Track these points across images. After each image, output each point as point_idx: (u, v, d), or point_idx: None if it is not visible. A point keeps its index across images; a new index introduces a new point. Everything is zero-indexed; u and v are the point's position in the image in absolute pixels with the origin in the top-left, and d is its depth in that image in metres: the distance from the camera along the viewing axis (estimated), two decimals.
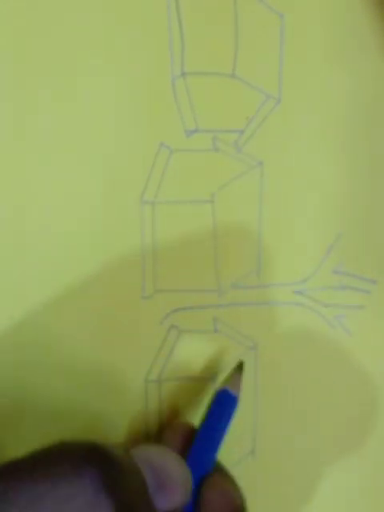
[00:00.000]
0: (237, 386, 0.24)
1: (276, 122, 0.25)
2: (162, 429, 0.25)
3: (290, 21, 0.24)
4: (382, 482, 0.27)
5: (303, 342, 0.26)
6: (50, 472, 0.17)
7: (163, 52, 0.24)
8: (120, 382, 0.25)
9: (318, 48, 0.24)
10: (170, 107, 0.24)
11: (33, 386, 0.24)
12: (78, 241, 0.24)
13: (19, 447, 0.24)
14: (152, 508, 0.19)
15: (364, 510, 0.28)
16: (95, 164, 0.24)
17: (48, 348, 0.24)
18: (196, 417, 0.25)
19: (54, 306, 0.24)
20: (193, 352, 0.26)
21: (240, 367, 0.25)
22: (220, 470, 0.24)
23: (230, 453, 0.26)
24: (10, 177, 0.23)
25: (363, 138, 0.25)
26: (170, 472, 0.20)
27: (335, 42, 0.24)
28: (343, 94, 0.25)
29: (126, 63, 0.23)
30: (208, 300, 0.25)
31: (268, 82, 0.24)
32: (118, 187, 0.24)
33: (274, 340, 0.26)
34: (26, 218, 0.23)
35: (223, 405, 0.24)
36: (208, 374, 0.26)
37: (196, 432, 0.24)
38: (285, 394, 0.27)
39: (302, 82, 0.24)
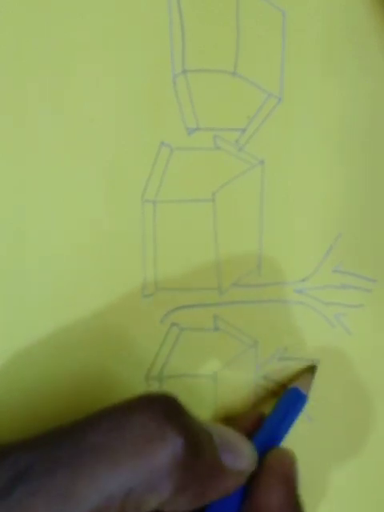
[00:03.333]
0: (307, 386, 0.25)
1: (277, 120, 0.24)
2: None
3: (291, 18, 0.24)
4: (381, 482, 0.28)
5: (303, 341, 0.26)
6: (129, 406, 0.20)
7: (164, 49, 0.23)
8: (121, 381, 0.25)
9: (320, 46, 0.24)
10: (171, 105, 0.24)
11: (33, 385, 0.24)
12: (78, 239, 0.24)
13: None
14: (217, 457, 0.20)
15: (363, 511, 0.28)
16: (96, 162, 0.24)
17: (48, 346, 0.24)
18: (197, 414, 0.26)
19: (54, 304, 0.24)
20: (194, 350, 0.26)
21: (312, 369, 0.26)
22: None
23: None
24: (11, 175, 0.23)
25: (364, 137, 0.25)
26: (237, 440, 0.21)
27: (337, 40, 0.24)
28: (345, 93, 0.25)
29: (127, 61, 0.23)
30: (209, 298, 0.25)
31: (269, 80, 0.24)
32: (119, 186, 0.24)
33: (274, 338, 0.26)
34: (26, 217, 0.23)
35: (292, 401, 0.25)
36: (209, 371, 0.26)
37: (262, 421, 0.25)
38: None
39: (304, 81, 0.24)
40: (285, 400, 0.25)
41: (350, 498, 0.28)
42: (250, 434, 0.23)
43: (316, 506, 0.28)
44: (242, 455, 0.21)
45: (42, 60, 0.23)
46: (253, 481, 0.22)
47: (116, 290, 0.25)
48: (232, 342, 0.26)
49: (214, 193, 0.25)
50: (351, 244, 0.26)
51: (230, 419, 0.26)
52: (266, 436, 0.24)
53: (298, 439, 0.27)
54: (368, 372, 0.27)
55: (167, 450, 0.19)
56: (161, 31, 0.23)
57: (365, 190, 0.25)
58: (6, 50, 0.22)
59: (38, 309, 0.24)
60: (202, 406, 0.26)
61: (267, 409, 0.26)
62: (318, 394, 0.26)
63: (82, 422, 0.19)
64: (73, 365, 0.25)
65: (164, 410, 0.19)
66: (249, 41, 0.24)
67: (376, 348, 0.26)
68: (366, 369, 0.27)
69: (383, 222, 0.26)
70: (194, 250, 0.25)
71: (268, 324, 0.26)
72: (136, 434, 0.19)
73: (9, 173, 0.23)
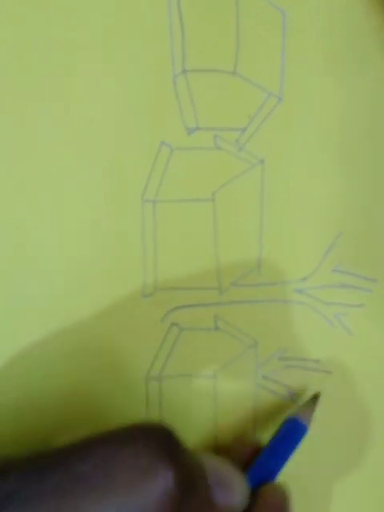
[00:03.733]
0: (308, 416, 0.25)
1: (277, 120, 0.24)
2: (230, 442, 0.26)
3: (291, 18, 0.24)
4: (381, 483, 0.28)
5: (304, 341, 0.26)
6: (121, 436, 0.19)
7: (164, 49, 0.23)
8: (121, 380, 0.25)
9: (320, 46, 0.24)
10: (171, 105, 0.24)
11: (33, 383, 0.24)
12: (78, 238, 0.24)
13: (19, 446, 0.24)
14: (209, 494, 0.20)
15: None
16: (96, 162, 0.24)
17: (47, 346, 0.24)
18: (197, 414, 0.26)
19: (53, 304, 0.24)
20: (194, 350, 0.26)
21: (315, 399, 0.26)
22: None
23: None
24: (11, 174, 0.23)
25: (364, 136, 0.25)
26: (230, 475, 0.21)
27: (337, 40, 0.24)
28: (345, 93, 0.25)
29: (127, 61, 0.23)
30: (209, 298, 0.25)
31: (270, 79, 0.24)
32: (120, 185, 0.24)
33: (274, 338, 0.26)
34: (26, 216, 0.23)
35: (291, 431, 0.25)
36: (209, 371, 0.26)
37: (260, 451, 0.24)
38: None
39: (304, 80, 0.24)
40: (284, 431, 0.25)
41: (348, 500, 0.28)
42: (246, 464, 0.23)
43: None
44: (234, 491, 0.21)
45: (43, 60, 0.23)
46: None
47: (116, 290, 0.25)
48: (232, 342, 0.26)
49: (214, 192, 0.25)
50: (351, 243, 0.26)
51: (225, 448, 0.25)
52: (262, 469, 0.23)
53: None
54: (368, 372, 0.27)
55: (159, 487, 0.18)
56: (161, 31, 0.23)
57: (365, 189, 0.25)
58: (7, 51, 0.22)
59: (37, 308, 0.24)
60: (202, 406, 0.26)
61: (266, 417, 0.26)
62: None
63: (71, 449, 0.19)
64: (73, 364, 0.25)
65: (158, 443, 0.19)
66: (249, 40, 0.24)
67: (376, 348, 0.26)
68: (367, 369, 0.26)
69: (383, 222, 0.26)
70: (193, 249, 0.25)
71: (268, 324, 0.26)
72: (126, 467, 0.18)
73: (9, 172, 0.23)
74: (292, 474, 0.24)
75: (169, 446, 0.19)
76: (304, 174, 0.25)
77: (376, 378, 0.27)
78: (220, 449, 0.26)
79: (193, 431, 0.26)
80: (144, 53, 0.23)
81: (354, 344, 0.26)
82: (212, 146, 0.24)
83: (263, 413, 0.26)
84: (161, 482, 0.18)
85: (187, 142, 0.24)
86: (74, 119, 0.23)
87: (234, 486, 0.21)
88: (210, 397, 0.26)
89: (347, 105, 0.25)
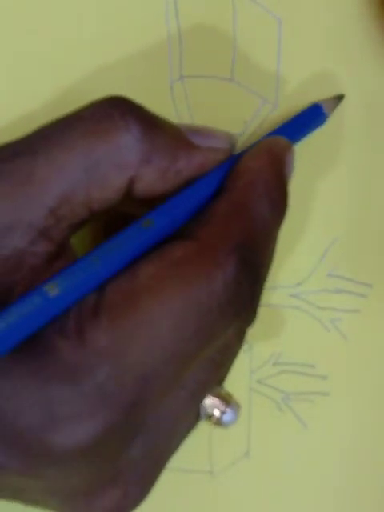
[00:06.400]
0: (330, 108, 0.24)
1: (273, 126, 0.25)
2: None
3: (287, 25, 0.24)
4: (379, 484, 0.27)
5: (298, 346, 0.26)
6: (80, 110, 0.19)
7: (162, 55, 0.24)
8: None
9: (316, 53, 0.24)
10: (168, 110, 0.24)
11: None
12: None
13: None
14: (180, 131, 0.20)
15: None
16: None
17: None
18: None
19: None
20: None
21: (340, 97, 0.24)
22: None
23: (225, 454, 0.27)
24: None
25: (360, 142, 0.25)
26: (209, 128, 0.21)
27: (333, 48, 0.24)
28: (340, 99, 0.25)
29: (125, 66, 0.24)
30: None
31: (265, 86, 0.24)
32: None
33: (268, 343, 0.26)
34: None
35: (309, 114, 0.24)
36: None
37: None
38: None
39: (299, 87, 0.25)
40: (301, 114, 0.23)
41: (347, 502, 0.28)
42: None
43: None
44: (213, 136, 0.20)
45: (40, 65, 0.23)
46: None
47: None
48: None
49: None
50: (347, 248, 0.26)
51: None
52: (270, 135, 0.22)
53: (293, 446, 0.27)
54: (364, 377, 0.26)
55: (129, 129, 0.18)
56: (158, 37, 0.24)
57: (361, 194, 0.25)
58: (6, 50, 0.23)
59: None
60: None
61: (261, 422, 0.26)
62: (313, 400, 0.26)
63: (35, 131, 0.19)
64: None
65: (125, 102, 0.19)
66: (245, 47, 0.24)
67: (372, 353, 0.26)
68: (362, 374, 0.26)
69: (379, 227, 0.26)
70: None
71: (262, 328, 0.26)
72: (94, 119, 0.18)
73: None
74: (289, 476, 0.23)
75: (136, 105, 0.19)
76: (299, 179, 0.25)
77: (371, 384, 0.27)
78: None
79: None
80: (142, 59, 0.24)
81: (349, 349, 0.26)
82: None
83: (257, 418, 0.26)
84: (131, 127, 0.18)
85: None
86: None
87: (213, 132, 0.20)
88: None
89: (342, 112, 0.25)
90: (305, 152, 0.25)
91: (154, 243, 0.18)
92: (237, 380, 0.26)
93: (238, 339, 0.21)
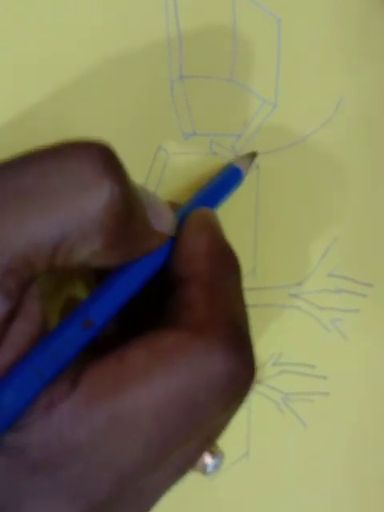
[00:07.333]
0: (245, 166, 0.24)
1: (272, 126, 0.25)
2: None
3: (287, 25, 0.24)
4: (378, 484, 0.28)
5: (299, 346, 0.26)
6: (60, 150, 0.18)
7: (162, 55, 0.24)
8: None
9: (316, 53, 0.24)
10: (167, 110, 0.24)
11: None
12: None
13: None
14: (146, 215, 0.19)
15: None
16: None
17: None
18: None
19: None
20: None
21: (253, 155, 0.24)
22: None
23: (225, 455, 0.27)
24: None
25: (359, 142, 0.25)
26: (160, 203, 0.20)
27: (332, 48, 0.24)
28: (340, 99, 0.25)
29: (124, 66, 0.24)
30: None
31: (265, 86, 0.24)
32: None
33: (269, 343, 0.26)
34: None
35: (227, 176, 0.24)
36: None
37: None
38: None
39: (299, 88, 0.25)
40: (218, 176, 0.23)
41: (346, 499, 0.28)
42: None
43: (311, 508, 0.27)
44: (164, 217, 0.20)
45: (40, 65, 0.23)
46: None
47: None
48: None
49: None
50: (347, 248, 0.26)
51: None
52: (192, 205, 0.22)
53: (292, 445, 0.27)
54: (364, 377, 0.26)
55: (104, 199, 0.17)
56: (158, 37, 0.24)
57: (360, 194, 0.26)
58: (6, 50, 0.23)
59: None
60: None
61: (260, 423, 0.26)
62: (313, 400, 0.26)
63: (6, 165, 0.17)
64: None
65: (103, 157, 0.18)
66: (245, 47, 0.24)
67: (372, 353, 0.26)
68: (362, 374, 0.26)
69: (379, 227, 0.26)
70: None
71: (263, 329, 0.26)
72: (71, 179, 0.17)
73: None
74: (289, 476, 0.24)
75: (114, 162, 0.18)
76: (298, 179, 0.25)
77: (372, 384, 0.27)
78: None
79: None
80: (142, 59, 0.24)
81: (349, 349, 0.26)
82: (208, 151, 0.25)
83: (257, 419, 0.26)
84: (106, 195, 0.17)
85: (183, 147, 0.24)
86: (72, 124, 0.23)
87: (164, 213, 0.20)
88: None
89: (342, 112, 0.25)
90: (305, 152, 0.25)
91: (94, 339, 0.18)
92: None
93: (234, 412, 0.20)
